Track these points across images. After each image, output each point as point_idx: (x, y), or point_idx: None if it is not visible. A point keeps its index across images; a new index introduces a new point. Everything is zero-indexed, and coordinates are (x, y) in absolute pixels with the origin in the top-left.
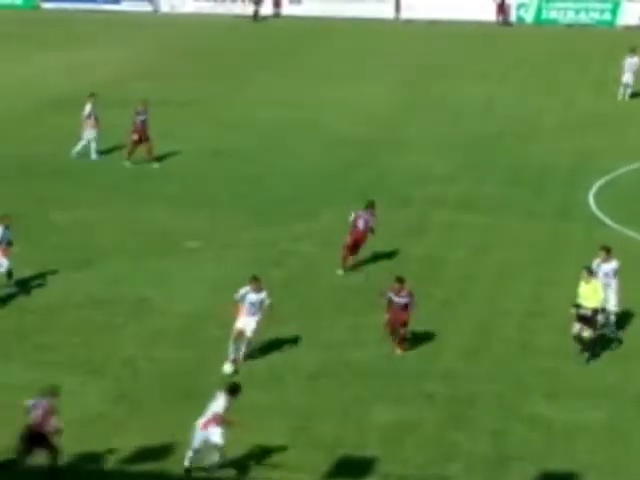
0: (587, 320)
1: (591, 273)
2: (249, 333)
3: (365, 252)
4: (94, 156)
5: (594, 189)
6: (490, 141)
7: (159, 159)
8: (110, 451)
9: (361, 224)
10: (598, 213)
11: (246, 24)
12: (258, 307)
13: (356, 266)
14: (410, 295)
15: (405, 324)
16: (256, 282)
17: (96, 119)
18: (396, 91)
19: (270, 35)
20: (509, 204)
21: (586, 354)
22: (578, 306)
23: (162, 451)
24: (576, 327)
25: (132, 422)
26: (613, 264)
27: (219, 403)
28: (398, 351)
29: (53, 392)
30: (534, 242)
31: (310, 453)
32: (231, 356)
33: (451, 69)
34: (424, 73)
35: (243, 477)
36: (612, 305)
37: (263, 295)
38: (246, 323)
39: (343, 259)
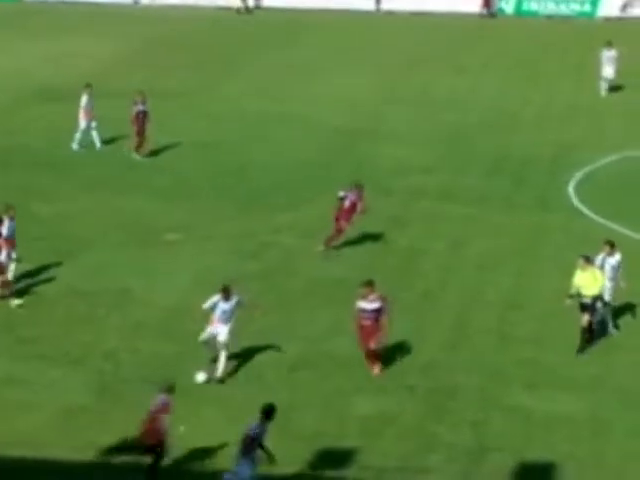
0: (586, 308)
1: (588, 261)
2: (222, 340)
3: (346, 244)
4: (75, 146)
5: (574, 180)
6: (471, 132)
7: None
8: (93, 444)
9: (346, 203)
10: (578, 204)
11: (228, 16)
12: (230, 315)
13: (337, 258)
14: (381, 299)
15: (377, 332)
16: (225, 292)
17: (91, 110)
18: (378, 83)
19: (252, 27)
20: (490, 195)
21: (584, 343)
22: (577, 296)
23: None
24: (585, 318)
25: (114, 414)
26: (617, 257)
27: (252, 426)
28: (376, 370)
29: (169, 389)
30: (515, 233)
31: (290, 445)
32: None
33: (432, 61)
34: (406, 65)
35: (224, 469)
36: (607, 296)
37: (235, 301)
38: (219, 331)
39: (329, 238)
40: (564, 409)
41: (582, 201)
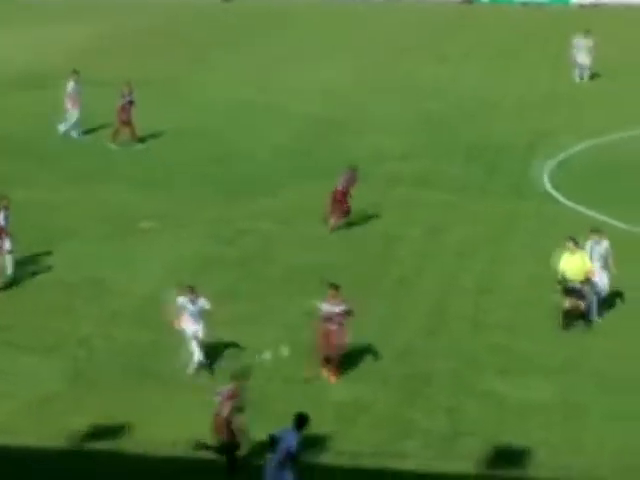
0: (576, 292)
1: (577, 244)
2: (200, 335)
3: (323, 230)
4: (62, 128)
5: (549, 168)
6: (452, 120)
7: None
8: (67, 430)
9: (339, 188)
10: (553, 191)
11: (210, 4)
12: (198, 315)
13: (314, 244)
14: (346, 302)
15: (339, 338)
16: (191, 293)
17: (78, 97)
18: (358, 71)
19: (233, 16)
20: (467, 183)
21: (582, 326)
22: (564, 280)
23: (119, 430)
24: (567, 302)
25: (89, 401)
26: (605, 244)
27: (289, 439)
28: (332, 379)
29: (239, 377)
30: (490, 220)
31: (265, 431)
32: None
33: (414, 49)
34: (386, 53)
35: (203, 458)
36: (602, 284)
37: (201, 303)
38: (196, 329)
39: (335, 222)
40: (537, 395)
41: (556, 188)
